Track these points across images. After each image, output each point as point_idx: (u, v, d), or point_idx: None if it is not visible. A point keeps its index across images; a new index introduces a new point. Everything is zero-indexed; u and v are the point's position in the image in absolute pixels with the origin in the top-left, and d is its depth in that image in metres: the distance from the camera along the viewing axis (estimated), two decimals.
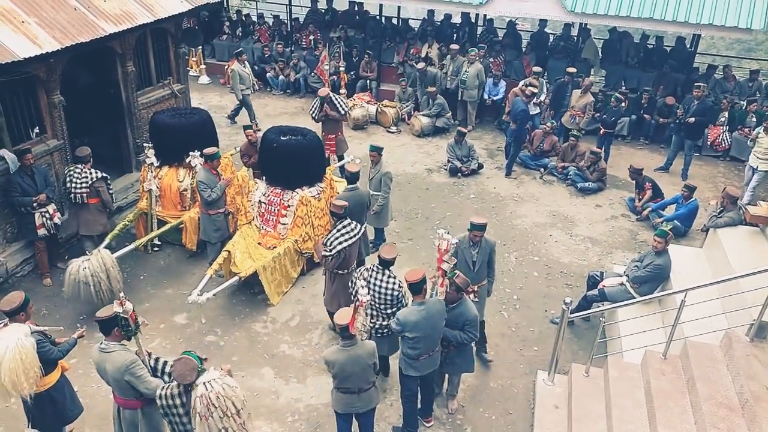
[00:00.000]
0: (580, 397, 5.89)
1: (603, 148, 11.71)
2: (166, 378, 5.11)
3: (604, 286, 7.39)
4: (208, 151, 7.89)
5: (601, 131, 11.64)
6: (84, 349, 6.89)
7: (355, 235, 6.75)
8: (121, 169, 9.97)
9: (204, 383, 4.70)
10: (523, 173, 11.62)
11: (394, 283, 6.03)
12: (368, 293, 5.97)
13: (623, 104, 12.80)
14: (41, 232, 7.75)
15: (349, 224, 6.76)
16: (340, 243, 6.62)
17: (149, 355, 5.20)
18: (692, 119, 10.95)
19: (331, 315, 7.06)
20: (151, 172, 8.58)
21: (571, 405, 5.88)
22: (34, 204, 7.58)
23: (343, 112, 10.38)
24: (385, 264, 6.07)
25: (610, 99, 11.83)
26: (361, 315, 5.95)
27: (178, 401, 4.74)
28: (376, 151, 8.51)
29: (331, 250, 6.63)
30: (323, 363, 5.45)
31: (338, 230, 6.71)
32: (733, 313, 5.96)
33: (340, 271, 6.77)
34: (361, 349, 5.31)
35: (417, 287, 5.50)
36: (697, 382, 5.37)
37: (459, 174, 11.31)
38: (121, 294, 5.00)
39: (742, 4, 11.34)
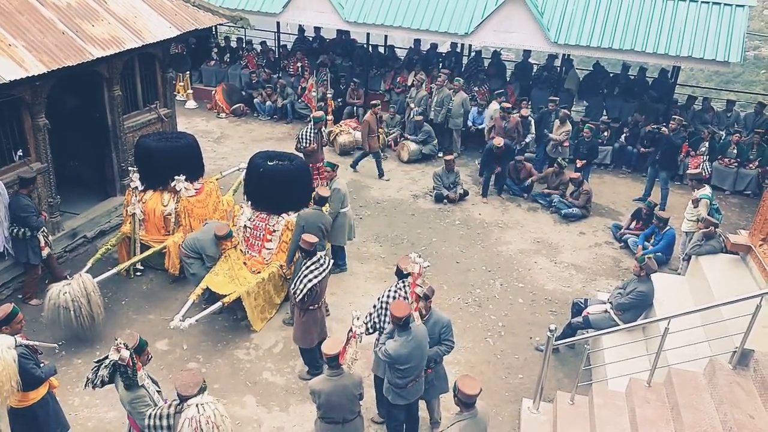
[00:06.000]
0: (565, 426, 5.86)
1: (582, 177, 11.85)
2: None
3: (588, 313, 7.42)
4: (219, 232, 7.74)
5: (578, 163, 11.74)
6: (62, 375, 6.77)
7: (325, 270, 6.62)
8: (105, 192, 9.90)
9: (197, 405, 4.62)
10: (507, 200, 11.71)
11: None
12: (363, 324, 5.92)
13: (606, 133, 13.04)
14: (46, 251, 7.83)
15: (318, 260, 6.62)
16: (310, 281, 6.48)
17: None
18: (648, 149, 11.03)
19: (303, 350, 6.97)
20: (136, 196, 8.53)
21: None
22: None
23: (303, 145, 10.27)
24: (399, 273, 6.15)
25: (583, 130, 11.96)
26: (353, 346, 5.88)
27: (165, 422, 4.65)
28: (330, 167, 8.67)
29: (302, 289, 6.48)
30: (309, 392, 5.36)
31: (307, 267, 6.54)
32: (716, 340, 5.99)
33: (312, 306, 6.68)
34: (348, 380, 5.26)
35: (406, 322, 5.46)
36: (682, 410, 5.37)
37: (444, 200, 11.38)
38: (117, 340, 4.91)
39: (720, 38, 11.66)
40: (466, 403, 4.76)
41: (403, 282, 6.19)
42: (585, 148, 11.75)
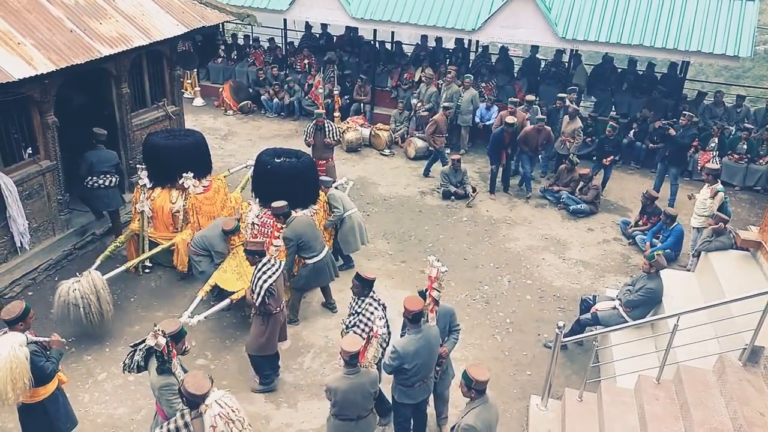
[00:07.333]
0: (573, 423, 5.85)
1: (604, 174, 11.79)
2: None
3: (596, 310, 7.39)
4: (226, 226, 7.72)
5: (606, 160, 11.61)
6: (72, 372, 6.83)
7: (277, 269, 6.46)
8: None
9: (216, 401, 4.67)
10: (515, 196, 11.68)
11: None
12: (385, 325, 5.89)
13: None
14: None
15: (269, 260, 6.49)
16: (265, 281, 6.31)
17: None
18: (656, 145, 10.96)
19: (261, 359, 6.72)
20: (144, 193, 8.56)
21: (565, 430, 5.83)
22: None
23: (336, 140, 10.63)
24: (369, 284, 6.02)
25: (606, 128, 11.83)
26: (374, 346, 5.88)
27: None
28: (324, 185, 8.58)
29: (260, 292, 6.30)
30: (324, 390, 5.33)
31: (259, 269, 6.38)
32: (726, 337, 5.95)
33: (275, 310, 6.50)
34: (365, 378, 5.25)
35: (417, 317, 5.42)
36: (691, 408, 5.34)
37: (452, 197, 11.36)
38: (156, 326, 4.97)
39: (730, 32, 11.56)
40: (478, 390, 4.83)
41: (366, 299, 6.02)
42: (610, 145, 11.66)
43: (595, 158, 12.19)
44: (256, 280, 6.37)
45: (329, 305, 8.22)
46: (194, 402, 4.60)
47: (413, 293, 5.94)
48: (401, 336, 5.71)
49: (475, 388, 4.83)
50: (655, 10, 12.09)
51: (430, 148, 12.47)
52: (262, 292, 6.31)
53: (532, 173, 11.78)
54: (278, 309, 6.55)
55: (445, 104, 12.40)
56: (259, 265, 6.42)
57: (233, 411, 4.68)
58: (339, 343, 6.22)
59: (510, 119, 11.20)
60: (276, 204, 7.60)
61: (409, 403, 5.69)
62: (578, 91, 13.97)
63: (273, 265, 6.47)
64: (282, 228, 7.63)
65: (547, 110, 12.43)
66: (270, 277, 6.35)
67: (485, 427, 4.80)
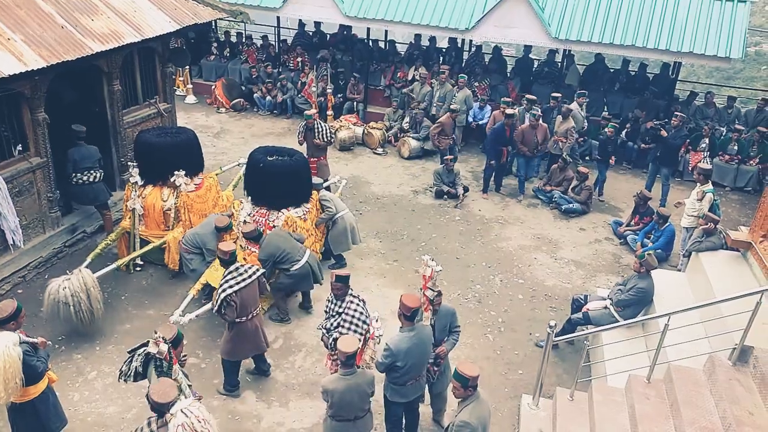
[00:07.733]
0: (564, 422, 5.87)
1: (601, 174, 11.85)
2: None
3: (588, 309, 7.42)
4: (219, 224, 7.63)
5: (611, 159, 11.73)
6: (62, 371, 6.78)
7: (247, 278, 6.26)
8: None
9: (181, 410, 4.53)
10: (507, 196, 11.70)
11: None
12: (381, 326, 5.88)
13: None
14: None
15: (238, 268, 6.29)
16: (225, 291, 6.13)
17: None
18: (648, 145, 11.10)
19: (225, 362, 6.61)
20: (135, 191, 8.52)
21: (556, 429, 5.85)
22: None
23: (327, 140, 10.53)
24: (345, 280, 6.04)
25: (606, 128, 11.82)
26: (371, 347, 5.86)
27: None
28: (313, 187, 8.61)
29: (217, 300, 6.15)
30: (321, 391, 5.31)
31: (224, 278, 6.21)
32: (716, 337, 5.99)
33: (239, 320, 6.29)
34: (361, 378, 5.25)
35: (413, 314, 5.42)
36: (681, 407, 5.37)
37: (444, 196, 11.37)
38: (156, 333, 4.92)
39: (721, 34, 11.63)
40: (471, 386, 4.86)
41: (347, 297, 6.04)
42: (612, 145, 11.70)
43: (588, 157, 12.26)
44: (218, 288, 6.27)
45: (306, 306, 8.13)
46: (160, 410, 4.52)
47: (405, 292, 5.94)
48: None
49: (467, 384, 4.86)
50: (647, 11, 12.14)
51: (423, 147, 12.42)
52: (219, 301, 6.19)
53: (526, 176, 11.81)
54: (241, 319, 6.30)
55: (453, 107, 12.32)
56: (225, 273, 6.29)
57: (198, 421, 4.52)
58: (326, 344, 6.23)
59: (510, 110, 11.24)
60: (245, 228, 7.55)
61: (401, 402, 5.69)
62: (573, 92, 14.03)
63: (240, 274, 6.26)
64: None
65: (541, 109, 12.45)
66: (231, 287, 6.17)
67: (479, 422, 4.82)
